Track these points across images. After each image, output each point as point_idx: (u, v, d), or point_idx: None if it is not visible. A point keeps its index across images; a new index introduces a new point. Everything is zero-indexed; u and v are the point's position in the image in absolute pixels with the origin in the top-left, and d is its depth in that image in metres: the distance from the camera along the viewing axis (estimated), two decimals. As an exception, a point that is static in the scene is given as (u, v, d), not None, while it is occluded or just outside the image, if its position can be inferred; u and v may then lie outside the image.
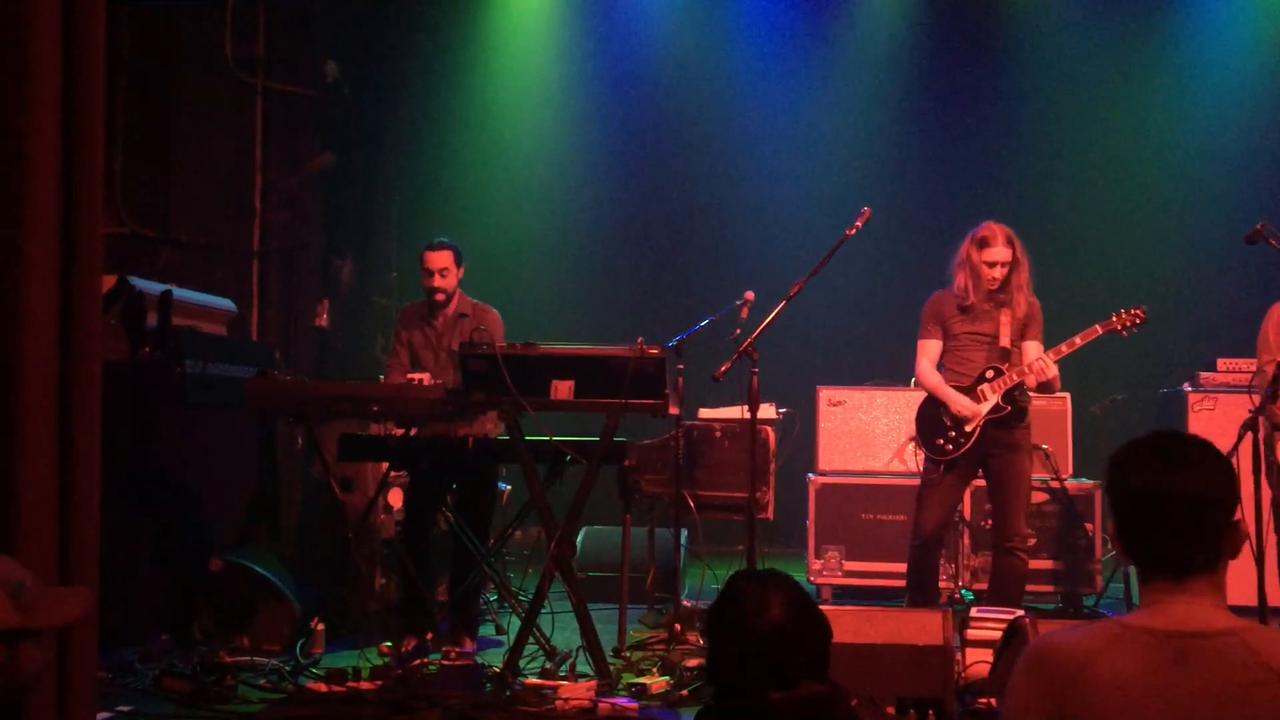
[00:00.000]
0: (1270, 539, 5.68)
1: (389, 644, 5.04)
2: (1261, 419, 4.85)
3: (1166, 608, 1.91)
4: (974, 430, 5.14)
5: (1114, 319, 5.09)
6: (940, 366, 5.33)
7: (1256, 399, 4.89)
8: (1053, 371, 5.05)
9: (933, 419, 5.28)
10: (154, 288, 5.60)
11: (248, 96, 7.80)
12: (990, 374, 5.18)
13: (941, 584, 6.05)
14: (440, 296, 5.55)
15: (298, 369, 7.70)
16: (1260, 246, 5.05)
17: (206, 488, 5.84)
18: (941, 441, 5.22)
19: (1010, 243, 5.16)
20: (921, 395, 5.40)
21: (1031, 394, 5.27)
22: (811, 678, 2.04)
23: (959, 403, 5.16)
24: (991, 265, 5.14)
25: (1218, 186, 8.54)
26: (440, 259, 5.53)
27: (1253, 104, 8.58)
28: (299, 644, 5.12)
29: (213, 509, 5.91)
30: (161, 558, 5.51)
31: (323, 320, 8.15)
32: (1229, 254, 6.35)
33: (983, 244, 5.16)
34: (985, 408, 5.14)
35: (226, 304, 6.52)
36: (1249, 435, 4.75)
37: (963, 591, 6.47)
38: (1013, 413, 5.14)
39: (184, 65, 7.58)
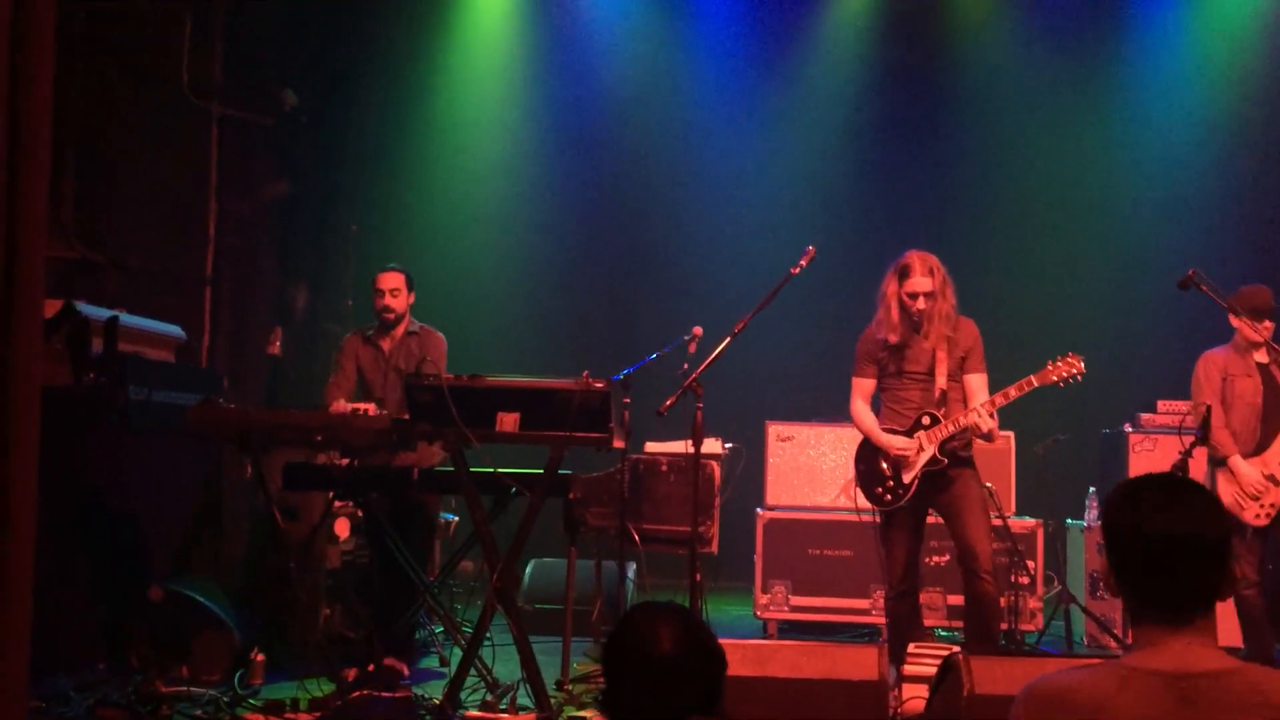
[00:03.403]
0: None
1: (328, 674, 5.01)
2: (1204, 456, 4.93)
3: (1165, 649, 1.93)
4: (912, 482, 5.00)
5: (1049, 369, 4.94)
6: (877, 404, 5.24)
7: (1188, 440, 5.00)
8: (988, 424, 4.89)
9: (871, 466, 5.13)
10: (100, 313, 5.57)
11: (203, 122, 7.80)
12: (927, 420, 5.02)
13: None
14: (390, 316, 5.75)
15: (249, 397, 7.66)
16: (1196, 291, 5.18)
17: (151, 515, 5.79)
18: (880, 490, 5.08)
19: (931, 272, 4.98)
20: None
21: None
22: (703, 711, 2.04)
23: (894, 444, 5.02)
24: (914, 296, 4.97)
25: (1157, 231, 8.72)
26: (392, 280, 5.78)
27: (1188, 152, 8.78)
28: (238, 674, 5.08)
29: (157, 537, 5.86)
30: (100, 585, 5.45)
31: (275, 348, 8.12)
32: (1167, 298, 6.49)
33: (904, 274, 5.01)
34: (923, 459, 4.99)
35: (174, 330, 6.48)
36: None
37: (937, 631, 6.50)
38: (952, 463, 4.99)
39: (139, 90, 7.56)
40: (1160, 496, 1.96)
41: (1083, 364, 4.93)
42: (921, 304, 4.98)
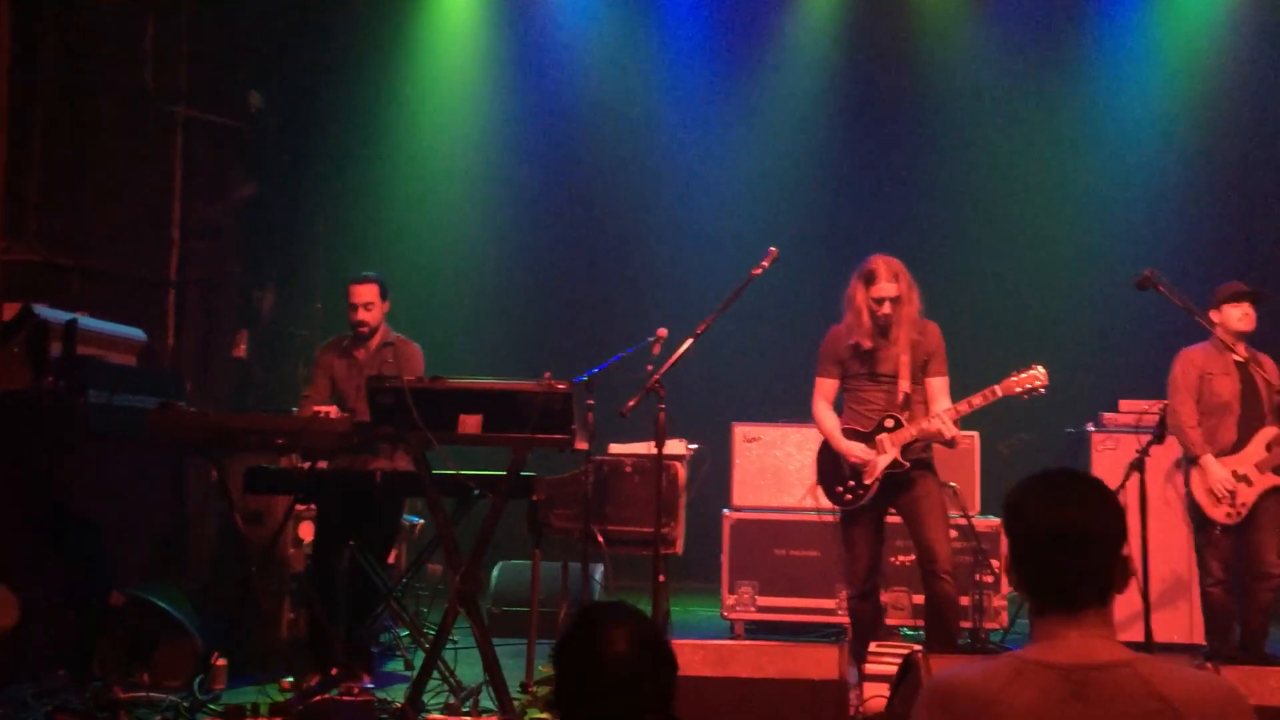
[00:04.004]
0: (1189, 573, 5.87)
1: (290, 679, 4.99)
2: (1162, 455, 4.97)
3: (1061, 641, 1.96)
4: (873, 483, 5.02)
5: (1013, 380, 4.97)
6: (840, 406, 5.25)
7: (1145, 439, 5.04)
8: (951, 432, 4.92)
9: (832, 466, 5.15)
10: (60, 316, 5.53)
11: (168, 125, 7.76)
12: (890, 423, 5.05)
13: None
14: (364, 329, 5.66)
15: (215, 401, 7.62)
16: (1153, 291, 5.23)
17: (114, 520, 5.74)
18: (841, 490, 5.10)
19: (897, 277, 5.01)
20: None
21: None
22: (654, 712, 2.04)
23: (853, 451, 5.04)
24: (880, 301, 5.00)
25: (1118, 231, 8.81)
26: (365, 293, 5.65)
27: (1149, 152, 8.89)
28: (199, 679, 5.05)
29: (120, 542, 5.81)
30: (61, 591, 5.40)
31: (241, 351, 8.08)
32: (1129, 298, 6.55)
33: (869, 279, 5.03)
34: (884, 461, 5.01)
35: (136, 334, 6.44)
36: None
37: (902, 630, 6.53)
38: (912, 466, 5.01)
39: (103, 93, 7.52)
40: (1051, 492, 2.01)
41: (1046, 376, 4.97)
42: (888, 309, 5.01)
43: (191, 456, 6.21)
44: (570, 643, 2.11)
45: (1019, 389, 4.96)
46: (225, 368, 8.10)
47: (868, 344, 5.08)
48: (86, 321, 5.69)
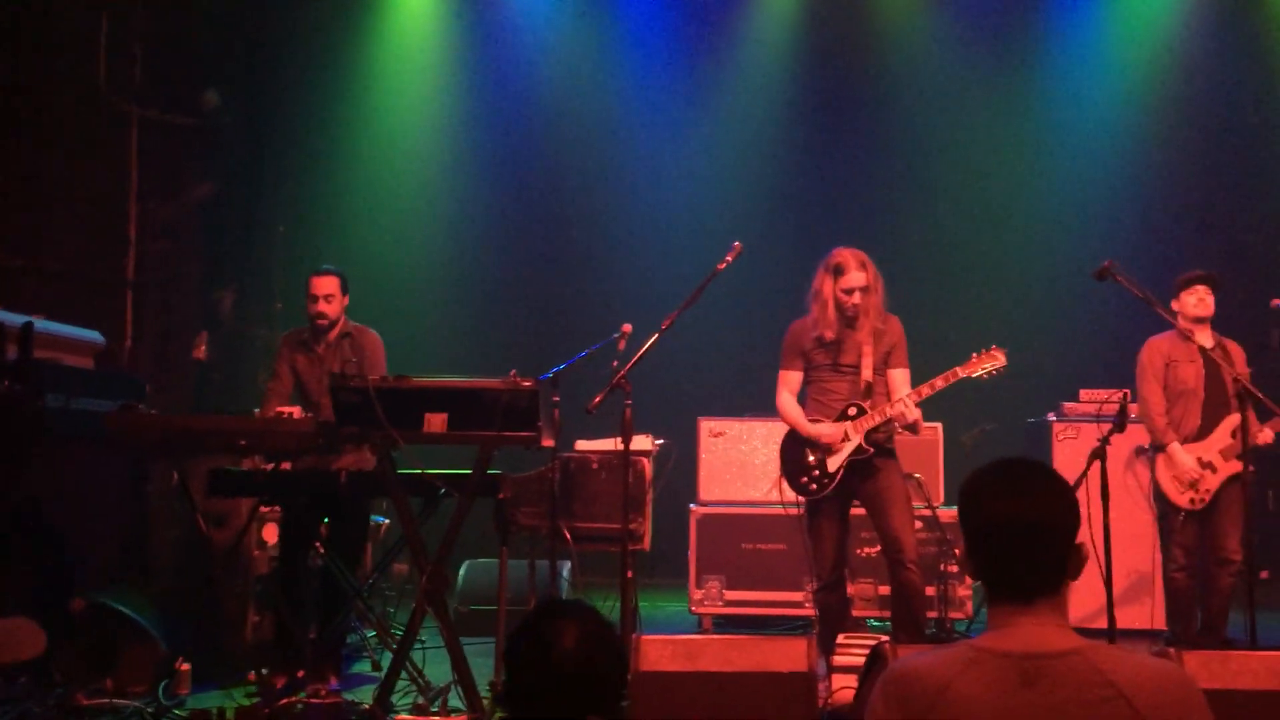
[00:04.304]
0: (1151, 560, 5.95)
1: (255, 684, 4.95)
2: (1122, 444, 5.03)
3: (1014, 629, 1.98)
4: (838, 471, 5.08)
5: (974, 360, 5.07)
6: (803, 398, 5.30)
7: (1106, 427, 5.10)
8: (914, 415, 5.00)
9: (796, 457, 5.20)
10: (15, 319, 5.43)
11: (123, 124, 7.65)
12: (853, 411, 5.11)
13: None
14: (324, 322, 5.64)
15: (174, 403, 7.53)
16: (1111, 281, 5.28)
17: (74, 525, 5.65)
18: (806, 480, 5.15)
19: (864, 267, 5.09)
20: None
21: (897, 431, 5.20)
22: (601, 712, 2.02)
23: (821, 433, 5.10)
24: (849, 292, 5.07)
25: (1077, 223, 8.92)
26: (326, 284, 5.65)
27: (1105, 146, 9.01)
28: (163, 685, 4.99)
29: (81, 547, 5.72)
30: (21, 598, 5.32)
31: (201, 352, 7.99)
32: (1089, 289, 6.63)
33: (838, 272, 5.10)
34: (848, 448, 5.08)
35: (94, 336, 6.34)
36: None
37: (869, 621, 6.56)
38: (876, 453, 5.08)
39: (58, 92, 7.40)
40: (1004, 483, 2.03)
41: (1004, 357, 5.07)
42: (857, 299, 5.09)
43: (152, 460, 6.14)
44: (519, 638, 2.09)
45: (979, 369, 5.05)
46: (184, 369, 8.01)
47: (830, 335, 5.14)
48: (43, 324, 5.60)
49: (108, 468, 5.97)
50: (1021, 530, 1.98)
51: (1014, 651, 1.95)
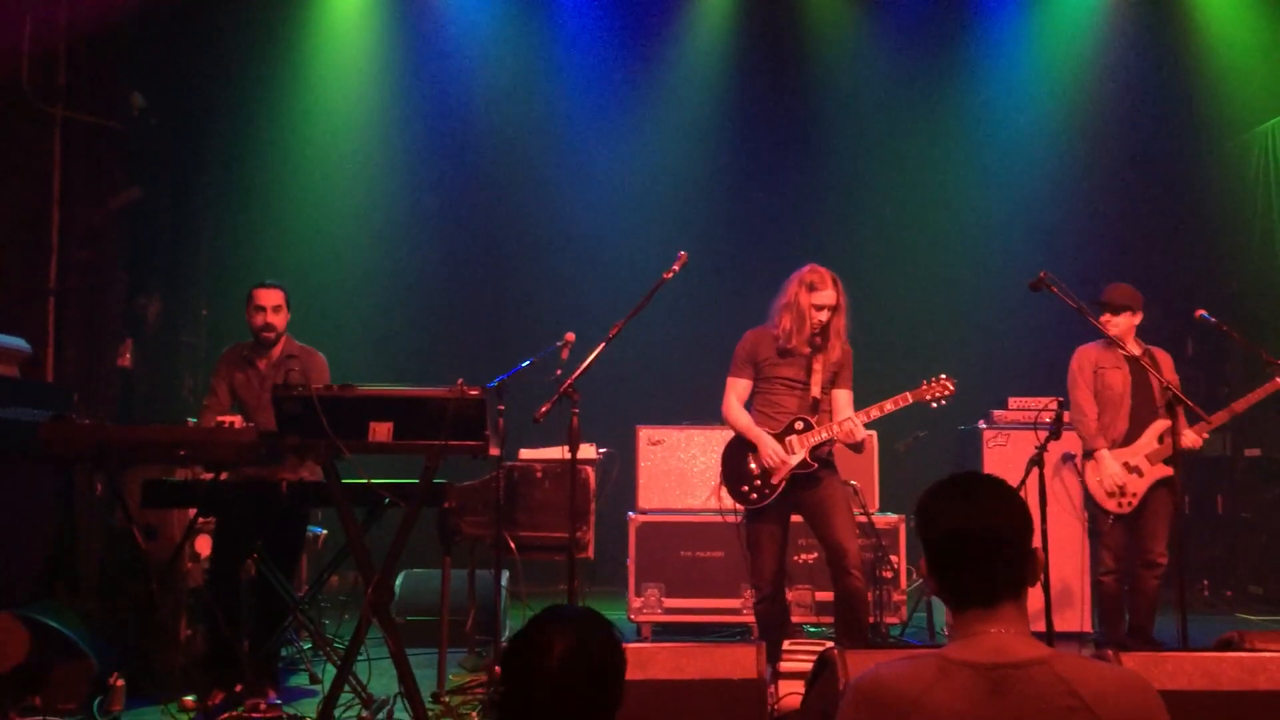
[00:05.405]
0: (1080, 565, 6.08)
1: (193, 698, 4.84)
2: (1057, 450, 5.14)
3: (981, 638, 2.04)
4: (780, 483, 5.12)
5: (924, 388, 5.16)
6: (749, 407, 5.31)
7: (1043, 435, 5.23)
8: (861, 434, 5.09)
9: (738, 465, 5.22)
10: (-62, 327, 5.27)
11: (46, 128, 7.45)
12: (800, 425, 5.16)
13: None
14: (270, 335, 5.57)
15: (99, 412, 7.33)
16: (1046, 292, 5.40)
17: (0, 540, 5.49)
18: (746, 489, 5.18)
19: (836, 285, 5.18)
20: (730, 435, 5.36)
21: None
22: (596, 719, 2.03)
23: (769, 447, 5.14)
24: (820, 308, 5.14)
25: (1009, 233, 9.12)
26: (272, 296, 5.61)
27: (1036, 156, 9.23)
28: (97, 702, 4.86)
29: (6, 561, 5.56)
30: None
31: (125, 360, 7.81)
32: (1020, 298, 6.78)
33: (812, 287, 5.16)
34: (793, 460, 5.13)
35: (19, 343, 6.16)
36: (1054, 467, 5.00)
37: (806, 627, 6.61)
38: (819, 468, 5.15)
39: (-24, 94, 7.19)
40: (955, 496, 2.10)
41: (954, 386, 5.19)
42: (825, 316, 5.16)
43: (79, 471, 5.98)
44: (517, 647, 2.09)
45: (929, 396, 5.16)
46: (109, 378, 7.80)
47: (804, 348, 5.19)
48: (-34, 332, 5.44)
49: (30, 480, 5.80)
50: (980, 542, 2.05)
51: (981, 662, 2.00)
